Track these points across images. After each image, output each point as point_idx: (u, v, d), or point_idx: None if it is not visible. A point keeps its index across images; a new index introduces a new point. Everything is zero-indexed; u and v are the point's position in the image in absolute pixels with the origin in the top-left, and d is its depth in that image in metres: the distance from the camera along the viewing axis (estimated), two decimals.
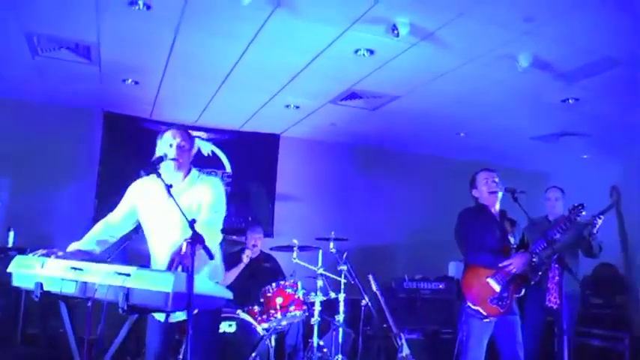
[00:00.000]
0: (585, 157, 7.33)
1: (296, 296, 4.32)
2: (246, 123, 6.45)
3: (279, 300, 4.26)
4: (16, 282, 2.54)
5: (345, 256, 4.63)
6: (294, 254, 4.58)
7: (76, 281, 2.33)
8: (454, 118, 5.97)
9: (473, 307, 3.41)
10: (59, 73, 4.98)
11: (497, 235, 3.55)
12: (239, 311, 4.06)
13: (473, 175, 3.74)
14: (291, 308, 4.24)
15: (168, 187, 2.46)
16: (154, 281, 2.12)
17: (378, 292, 4.54)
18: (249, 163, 6.75)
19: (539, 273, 3.40)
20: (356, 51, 4.28)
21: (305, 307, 4.37)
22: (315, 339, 4.30)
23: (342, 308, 4.54)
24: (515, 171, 7.58)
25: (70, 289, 2.35)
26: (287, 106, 5.77)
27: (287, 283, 4.37)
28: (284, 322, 4.32)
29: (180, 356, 3.43)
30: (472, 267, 3.52)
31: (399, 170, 7.14)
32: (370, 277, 4.58)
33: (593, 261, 5.00)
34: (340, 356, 4.40)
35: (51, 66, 4.80)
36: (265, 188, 6.81)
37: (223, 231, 2.78)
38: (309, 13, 3.72)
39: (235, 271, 4.72)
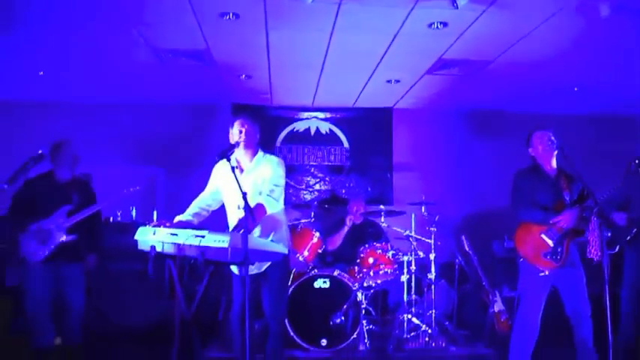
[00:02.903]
0: None
1: (386, 256, 4.78)
2: (357, 100, 6.94)
3: (370, 260, 4.76)
4: (140, 246, 3.38)
5: (437, 218, 4.96)
6: (382, 218, 5.03)
7: (174, 243, 3.08)
8: (558, 75, 5.85)
9: (527, 261, 3.59)
10: (187, 76, 5.92)
11: (550, 192, 3.65)
12: (336, 271, 4.68)
13: (529, 133, 3.84)
14: (382, 266, 4.71)
15: (233, 168, 3.08)
16: (219, 240, 2.78)
17: (470, 252, 4.79)
18: (365, 138, 7.25)
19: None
20: (430, 25, 4.51)
21: (396, 266, 4.79)
22: (404, 295, 4.74)
23: (433, 267, 4.89)
24: None
25: (170, 249, 3.11)
26: (388, 82, 6.15)
27: (378, 245, 4.85)
28: (379, 280, 4.81)
29: None
30: (525, 224, 3.68)
31: (512, 131, 7.07)
32: (463, 237, 4.84)
33: None
34: (434, 311, 4.79)
35: (179, 72, 5.75)
36: (382, 160, 7.25)
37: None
38: (372, 1, 4.09)
39: (340, 235, 5.30)
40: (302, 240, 4.69)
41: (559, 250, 3.50)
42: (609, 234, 3.29)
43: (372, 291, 4.89)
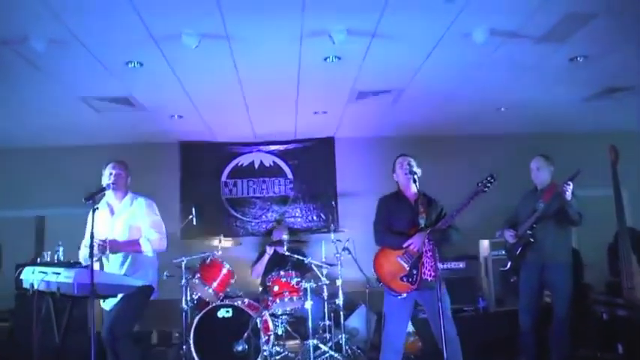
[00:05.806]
0: None
1: (291, 284, 4.93)
2: (297, 131, 7.16)
3: (275, 288, 4.93)
4: (24, 285, 3.60)
5: (346, 244, 5.13)
6: (285, 248, 5.18)
7: (43, 280, 3.31)
8: (479, 99, 6.00)
9: (385, 285, 3.71)
10: (123, 120, 6.19)
11: (407, 217, 3.77)
12: (238, 301, 4.85)
13: (394, 160, 4.00)
14: (285, 294, 4.86)
15: (94, 210, 3.29)
16: (67, 276, 3.00)
17: None
18: (309, 168, 7.49)
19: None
20: (325, 59, 4.68)
21: (301, 294, 4.93)
22: (310, 322, 4.88)
23: (340, 293, 5.06)
24: (593, 134, 7.16)
25: (41, 286, 3.34)
26: (316, 113, 6.36)
27: (283, 273, 5.00)
28: (289, 308, 4.96)
29: None
30: (383, 249, 3.81)
31: (448, 154, 7.24)
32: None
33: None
34: (344, 335, 4.91)
35: (114, 116, 6.03)
36: (327, 188, 7.45)
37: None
38: (259, 40, 4.26)
39: (261, 264, 5.47)
40: (211, 272, 4.88)
41: (414, 272, 3.60)
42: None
43: (285, 317, 5.05)
